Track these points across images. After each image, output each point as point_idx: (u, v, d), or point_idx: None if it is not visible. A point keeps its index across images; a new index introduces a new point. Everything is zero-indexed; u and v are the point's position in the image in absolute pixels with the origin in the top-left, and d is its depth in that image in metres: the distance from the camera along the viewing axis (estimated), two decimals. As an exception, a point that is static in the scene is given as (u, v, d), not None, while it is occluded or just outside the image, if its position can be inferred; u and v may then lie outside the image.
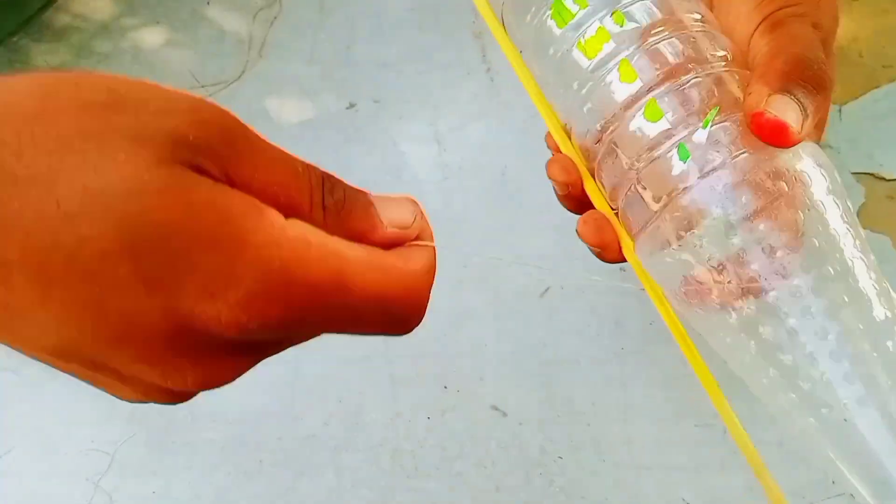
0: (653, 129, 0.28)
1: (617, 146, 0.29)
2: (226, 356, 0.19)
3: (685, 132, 0.27)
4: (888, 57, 0.74)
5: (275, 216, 0.19)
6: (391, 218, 0.22)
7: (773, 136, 0.27)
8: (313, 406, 0.62)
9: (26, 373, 0.62)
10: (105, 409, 0.61)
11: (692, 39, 0.29)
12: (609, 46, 0.28)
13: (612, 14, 0.28)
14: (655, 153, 0.28)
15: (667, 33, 0.28)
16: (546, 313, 0.65)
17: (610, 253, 0.31)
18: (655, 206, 0.28)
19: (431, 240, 0.23)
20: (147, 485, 0.59)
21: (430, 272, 0.22)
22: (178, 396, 0.20)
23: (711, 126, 0.27)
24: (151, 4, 0.77)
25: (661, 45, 0.28)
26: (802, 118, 0.27)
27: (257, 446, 0.61)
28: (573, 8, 0.29)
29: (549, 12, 0.30)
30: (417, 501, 0.60)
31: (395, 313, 0.21)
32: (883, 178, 0.70)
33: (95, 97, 0.18)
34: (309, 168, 0.21)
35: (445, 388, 0.63)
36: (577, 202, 0.31)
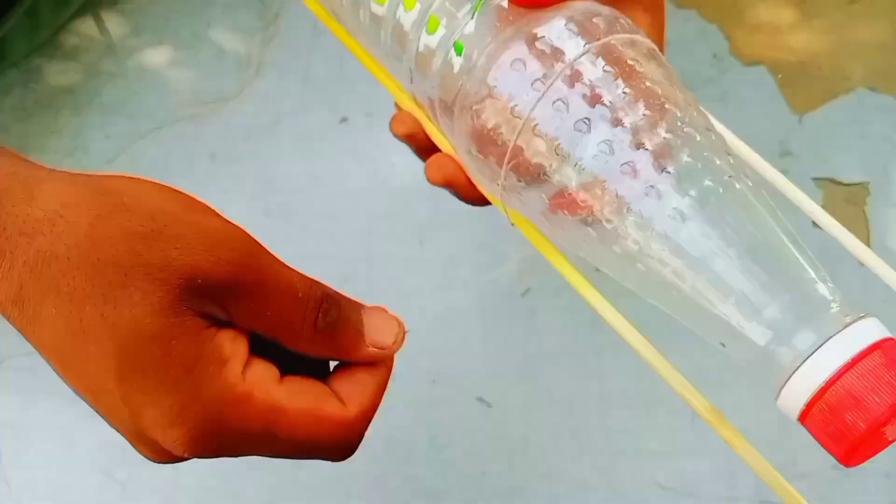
0: (434, 40, 0.27)
1: (415, 73, 0.28)
2: (179, 460, 0.24)
3: (458, 30, 0.26)
4: (846, 70, 0.79)
5: (234, 369, 0.23)
6: (374, 339, 0.25)
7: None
8: (312, 400, 0.66)
9: (45, 373, 0.66)
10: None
11: None
12: None
13: None
14: (437, 61, 0.27)
15: None
16: (527, 312, 0.69)
17: (464, 189, 0.30)
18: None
19: (391, 364, 0.26)
20: (157, 475, 0.64)
21: (368, 414, 0.25)
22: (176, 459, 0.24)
23: (478, 14, 0.26)
24: (155, 27, 0.82)
25: None
26: None
27: (260, 438, 0.65)
28: None
29: None
30: (410, 487, 0.64)
31: (323, 453, 0.24)
32: (841, 183, 0.75)
33: (138, 227, 0.22)
34: (311, 290, 0.24)
35: (434, 382, 0.67)
36: (428, 151, 0.31)
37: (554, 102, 0.24)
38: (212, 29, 0.81)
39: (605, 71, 0.24)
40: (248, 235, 0.24)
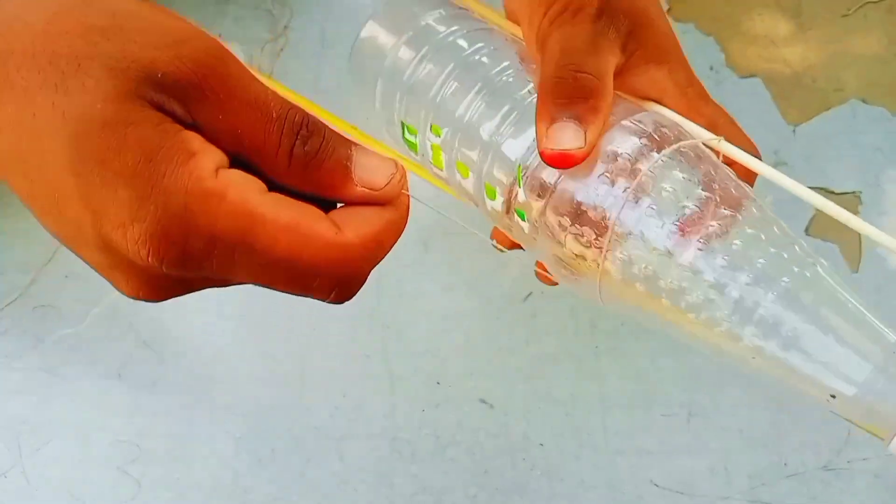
0: (498, 205, 0.33)
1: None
2: (151, 278, 0.21)
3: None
4: (839, 81, 0.81)
5: (203, 164, 0.20)
6: (363, 177, 0.22)
7: (563, 164, 0.28)
8: (320, 400, 0.69)
9: (62, 372, 0.69)
10: (132, 405, 0.68)
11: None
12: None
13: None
14: (507, 223, 0.33)
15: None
16: (529, 315, 0.72)
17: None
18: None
19: (404, 208, 0.23)
20: (171, 472, 0.66)
21: (371, 243, 0.22)
22: (148, 294, 0.22)
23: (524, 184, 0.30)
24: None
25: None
26: (582, 133, 0.28)
27: (270, 436, 0.67)
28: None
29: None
30: (414, 484, 0.66)
31: (310, 280, 0.21)
32: (833, 192, 0.77)
33: (97, 21, 0.20)
34: (288, 112, 0.22)
35: (438, 383, 0.69)
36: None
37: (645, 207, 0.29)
38: (222, 41, 0.84)
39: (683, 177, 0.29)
40: (217, 41, 0.22)
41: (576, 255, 0.30)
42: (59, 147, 0.19)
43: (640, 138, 0.28)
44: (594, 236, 0.29)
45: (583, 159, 0.29)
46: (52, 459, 0.66)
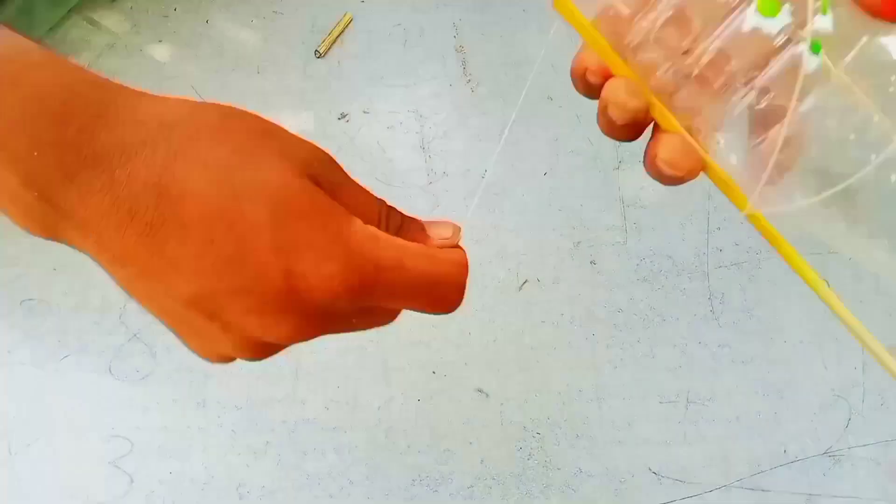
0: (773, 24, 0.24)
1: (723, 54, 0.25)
2: (312, 318, 0.26)
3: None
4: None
5: (358, 221, 0.27)
6: (437, 233, 0.30)
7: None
8: (315, 392, 0.68)
9: (52, 368, 0.68)
10: (125, 400, 0.67)
11: None
12: None
13: None
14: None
15: None
16: (524, 305, 0.71)
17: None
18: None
19: (462, 250, 0.31)
20: (165, 466, 0.65)
21: (465, 263, 0.29)
22: (262, 351, 0.27)
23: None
24: (155, 23, 0.83)
25: None
26: None
27: (264, 429, 0.67)
28: None
29: None
30: (410, 475, 0.66)
31: (440, 290, 0.28)
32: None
33: (256, 126, 0.26)
34: (379, 200, 0.29)
35: (434, 373, 0.69)
36: (636, 130, 0.29)
37: None
38: (210, 27, 0.82)
39: None
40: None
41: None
42: (259, 210, 0.24)
43: None
44: None
45: None
46: (42, 456, 0.65)
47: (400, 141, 0.77)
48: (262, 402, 0.67)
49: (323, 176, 0.27)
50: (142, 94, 0.26)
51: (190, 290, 0.25)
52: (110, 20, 0.83)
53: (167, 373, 0.68)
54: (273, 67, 0.81)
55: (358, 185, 0.28)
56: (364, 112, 0.79)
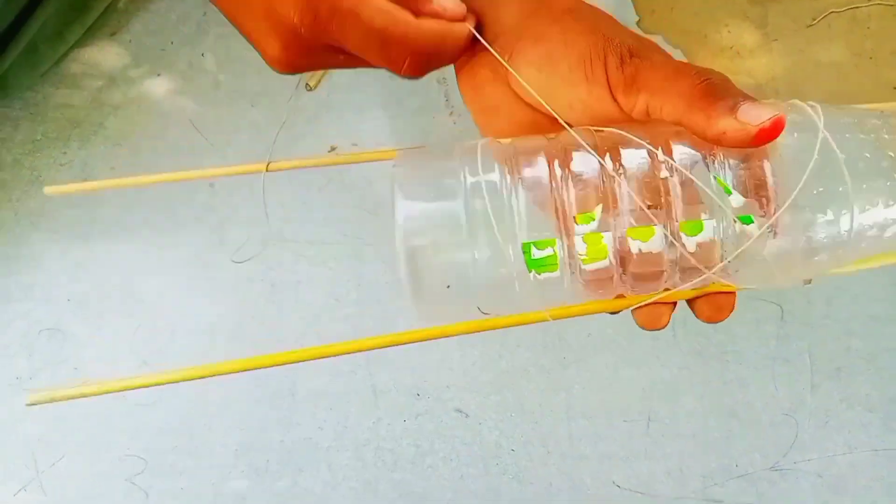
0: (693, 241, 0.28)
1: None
2: (288, 42, 0.32)
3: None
4: (802, 91, 0.84)
5: None
6: (441, 2, 0.32)
7: (776, 131, 0.26)
8: (309, 414, 0.74)
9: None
10: (139, 423, 0.74)
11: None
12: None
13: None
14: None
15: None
16: (500, 331, 0.76)
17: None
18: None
19: (463, 30, 0.33)
20: (176, 483, 0.72)
21: (437, 36, 0.32)
22: (280, 66, 0.34)
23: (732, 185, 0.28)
24: (153, 57, 0.87)
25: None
26: (763, 105, 0.27)
27: (264, 449, 0.73)
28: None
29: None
30: (397, 491, 0.73)
31: (392, 50, 0.31)
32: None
33: None
34: None
35: (418, 395, 0.75)
36: None
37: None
38: (206, 60, 0.86)
39: None
40: None
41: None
42: None
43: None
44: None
45: (784, 121, 0.27)
46: (66, 473, 0.73)
47: (386, 172, 0.82)
48: (261, 423, 0.74)
49: None
50: None
51: (245, 28, 0.34)
52: (110, 53, 0.87)
53: (174, 398, 0.74)
54: (266, 101, 0.85)
55: None
56: (352, 144, 0.83)
